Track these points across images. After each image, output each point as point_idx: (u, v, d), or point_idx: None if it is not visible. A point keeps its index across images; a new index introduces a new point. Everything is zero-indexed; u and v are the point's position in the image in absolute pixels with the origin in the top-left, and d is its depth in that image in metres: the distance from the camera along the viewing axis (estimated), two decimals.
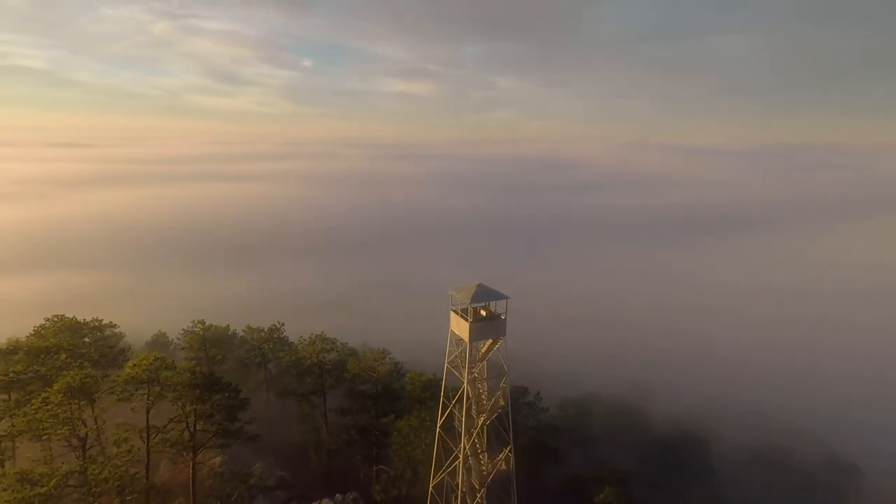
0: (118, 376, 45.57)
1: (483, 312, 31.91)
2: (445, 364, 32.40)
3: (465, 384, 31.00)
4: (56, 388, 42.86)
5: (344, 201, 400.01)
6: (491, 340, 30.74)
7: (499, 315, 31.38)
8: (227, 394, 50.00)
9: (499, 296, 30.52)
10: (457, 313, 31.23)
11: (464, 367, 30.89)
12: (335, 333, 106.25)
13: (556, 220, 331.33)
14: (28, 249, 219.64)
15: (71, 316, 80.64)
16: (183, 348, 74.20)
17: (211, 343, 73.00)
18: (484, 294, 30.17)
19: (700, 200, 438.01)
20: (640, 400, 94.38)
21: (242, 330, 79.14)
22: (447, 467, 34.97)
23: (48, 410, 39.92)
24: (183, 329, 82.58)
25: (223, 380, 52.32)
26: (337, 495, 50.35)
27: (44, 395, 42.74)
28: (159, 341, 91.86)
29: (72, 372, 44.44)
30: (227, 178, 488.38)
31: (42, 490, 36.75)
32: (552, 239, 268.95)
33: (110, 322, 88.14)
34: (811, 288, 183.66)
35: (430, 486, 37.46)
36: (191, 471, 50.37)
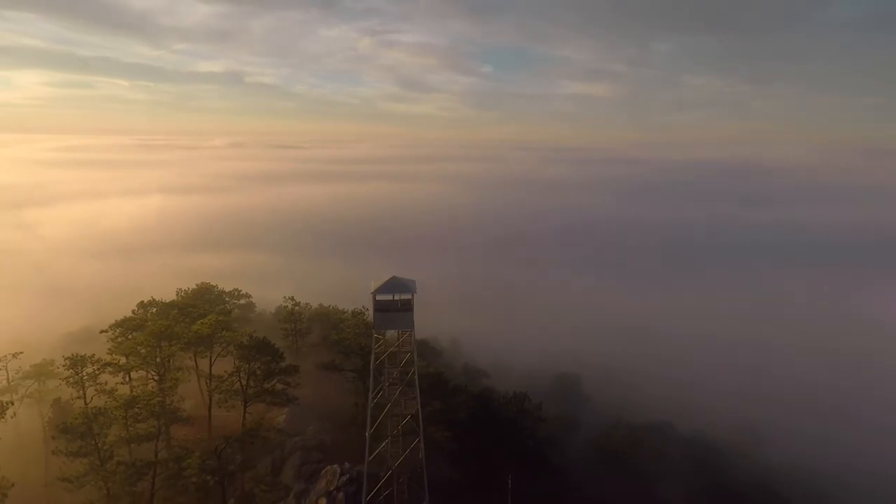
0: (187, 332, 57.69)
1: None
2: (372, 353, 35.18)
3: (372, 371, 33.49)
4: (146, 332, 56.27)
5: (503, 203, 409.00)
6: (399, 332, 32.65)
7: (408, 309, 33.06)
8: (270, 357, 59.22)
9: (405, 288, 32.28)
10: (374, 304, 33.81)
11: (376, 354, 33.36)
12: (434, 327, 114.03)
13: (727, 235, 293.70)
14: (234, 232, 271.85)
15: (214, 284, 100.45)
16: (279, 320, 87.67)
17: (300, 318, 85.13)
18: (391, 286, 32.27)
19: None
20: (735, 441, 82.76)
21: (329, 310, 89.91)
22: (380, 448, 37.79)
23: (131, 349, 53.01)
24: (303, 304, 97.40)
25: (274, 346, 61.82)
26: (346, 463, 56.09)
27: (138, 337, 56.50)
28: (280, 313, 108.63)
29: (159, 321, 57.68)
30: (401, 178, 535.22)
31: (116, 403, 49.32)
32: (712, 257, 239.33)
33: (246, 293, 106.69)
34: None
35: (365, 464, 40.60)
36: (242, 419, 60.83)
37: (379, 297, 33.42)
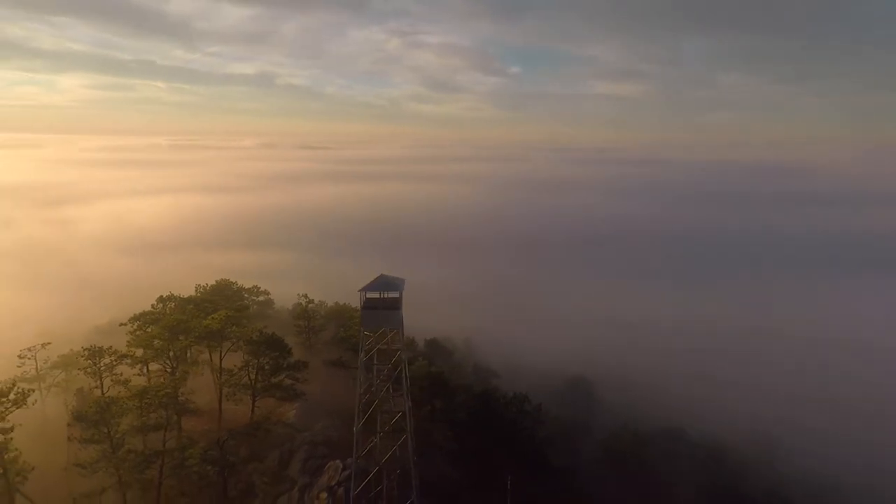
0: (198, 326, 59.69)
1: None
2: (361, 350, 36.02)
3: (360, 368, 34.27)
4: (160, 325, 58.48)
5: (522, 204, 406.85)
6: (387, 330, 33.30)
7: (395, 307, 33.65)
8: (278, 353, 60.76)
9: (393, 287, 32.95)
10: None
11: (363, 352, 34.20)
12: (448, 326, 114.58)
13: (747, 237, 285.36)
14: (259, 230, 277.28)
15: (233, 281, 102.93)
16: (293, 317, 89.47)
17: (314, 316, 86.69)
18: (379, 284, 32.98)
19: None
20: (747, 444, 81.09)
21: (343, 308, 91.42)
22: (369, 445, 38.61)
23: (147, 342, 55.21)
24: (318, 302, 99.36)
25: (282, 341, 63.37)
26: (348, 459, 57.20)
27: (154, 330, 58.74)
28: (296, 310, 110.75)
29: (173, 315, 59.84)
30: (422, 178, 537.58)
31: (129, 394, 51.52)
32: (730, 260, 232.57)
33: (264, 290, 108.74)
34: None
35: (354, 460, 41.41)
36: (251, 412, 62.54)
37: (368, 295, 34.26)
